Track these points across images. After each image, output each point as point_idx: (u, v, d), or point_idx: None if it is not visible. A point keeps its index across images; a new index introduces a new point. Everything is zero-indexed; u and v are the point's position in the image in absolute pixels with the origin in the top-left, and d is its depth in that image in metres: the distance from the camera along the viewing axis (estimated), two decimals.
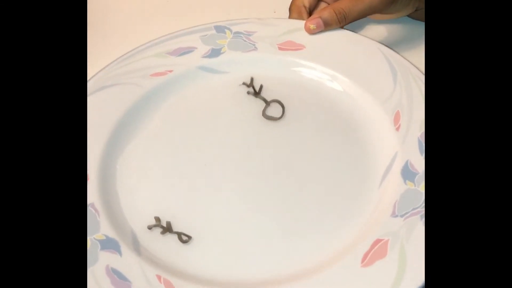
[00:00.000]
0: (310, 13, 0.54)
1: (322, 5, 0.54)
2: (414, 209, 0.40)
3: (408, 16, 0.55)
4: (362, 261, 0.38)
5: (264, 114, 0.49)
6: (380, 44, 0.51)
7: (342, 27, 0.53)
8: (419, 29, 0.55)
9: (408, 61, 0.49)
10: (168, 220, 0.42)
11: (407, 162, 0.43)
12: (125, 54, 0.53)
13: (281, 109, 0.49)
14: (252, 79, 0.51)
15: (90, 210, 0.42)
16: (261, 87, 0.50)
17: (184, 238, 0.41)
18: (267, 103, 0.49)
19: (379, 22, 0.57)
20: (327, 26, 0.52)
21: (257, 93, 0.50)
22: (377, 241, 0.39)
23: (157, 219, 0.42)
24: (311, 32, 0.52)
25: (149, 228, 0.42)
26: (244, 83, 0.51)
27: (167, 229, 0.42)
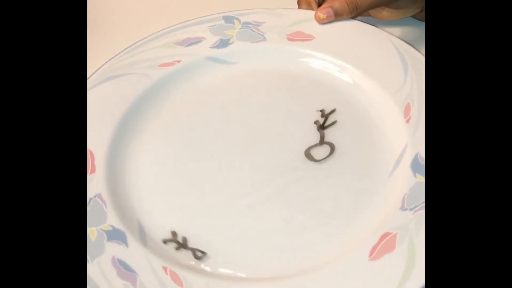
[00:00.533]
0: (319, 4, 0.54)
1: None
2: (423, 202, 0.39)
3: (413, 17, 0.54)
4: (370, 254, 0.37)
5: (307, 152, 0.45)
6: (391, 36, 0.50)
7: (353, 18, 0.52)
8: (423, 30, 0.54)
9: (420, 52, 0.48)
10: (183, 234, 0.41)
11: (417, 155, 0.42)
12: (132, 44, 0.52)
13: (328, 150, 0.45)
14: (332, 111, 0.47)
15: (97, 201, 0.42)
16: (332, 123, 0.46)
17: (199, 255, 0.40)
18: (321, 142, 0.45)
19: (383, 23, 0.55)
20: (338, 16, 0.51)
21: (322, 127, 0.46)
22: (386, 234, 0.38)
23: (174, 234, 0.41)
24: (321, 21, 0.52)
25: (164, 242, 0.40)
26: (321, 111, 0.47)
27: (182, 245, 0.40)
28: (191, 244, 0.40)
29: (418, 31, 0.54)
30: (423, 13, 0.53)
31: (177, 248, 0.40)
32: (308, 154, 0.45)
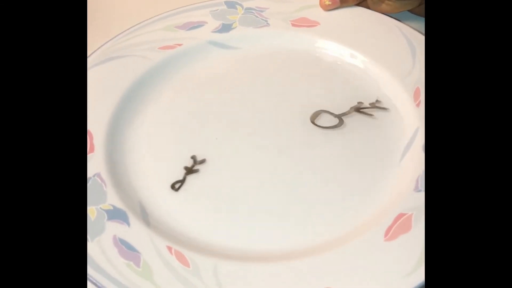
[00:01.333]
0: None
1: None
2: None
3: (410, 11, 0.53)
4: (386, 235, 0.36)
5: (313, 118, 0.44)
6: (398, 21, 0.50)
7: (357, 5, 0.51)
8: (420, 24, 0.53)
9: None
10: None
11: None
12: (132, 26, 0.51)
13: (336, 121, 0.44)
14: (384, 108, 0.44)
15: (96, 180, 0.40)
16: (368, 114, 0.44)
17: (176, 186, 0.41)
18: (338, 116, 0.44)
19: None
20: (343, 2, 0.51)
21: (357, 110, 0.44)
22: (401, 215, 0.37)
23: (198, 161, 0.42)
24: (326, 8, 0.51)
25: (192, 157, 0.42)
26: (378, 101, 0.45)
27: (189, 170, 0.41)
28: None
29: (416, 25, 0.53)
30: (421, 7, 0.52)
31: (185, 167, 0.42)
32: (313, 120, 0.44)
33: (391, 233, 0.36)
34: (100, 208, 0.38)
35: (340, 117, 0.44)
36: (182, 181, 0.41)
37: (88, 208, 0.38)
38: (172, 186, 0.41)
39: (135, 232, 0.37)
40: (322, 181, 0.40)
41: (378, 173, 0.41)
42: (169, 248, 0.36)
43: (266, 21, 0.51)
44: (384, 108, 0.44)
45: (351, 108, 0.44)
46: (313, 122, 0.44)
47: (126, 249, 0.36)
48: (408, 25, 0.49)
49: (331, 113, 0.44)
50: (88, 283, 0.34)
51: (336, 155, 0.42)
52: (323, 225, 0.38)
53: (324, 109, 0.45)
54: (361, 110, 0.44)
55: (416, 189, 0.38)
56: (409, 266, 0.34)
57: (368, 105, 0.44)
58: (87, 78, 0.46)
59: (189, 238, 0.37)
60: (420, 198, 0.38)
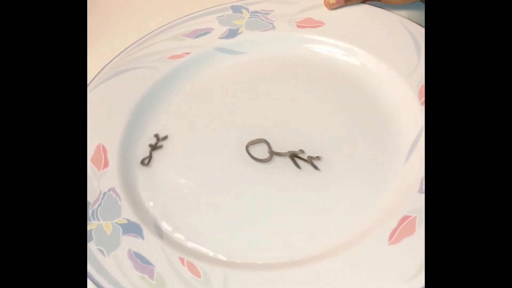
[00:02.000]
0: None
1: None
2: None
3: (421, 1, 0.53)
4: (390, 238, 0.37)
5: (248, 148, 0.44)
6: (403, 18, 0.50)
7: (363, 2, 0.51)
8: None
9: None
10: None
11: None
12: (140, 38, 0.52)
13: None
14: (317, 157, 0.42)
15: (111, 195, 0.41)
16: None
17: (146, 161, 0.44)
18: (271, 153, 0.43)
19: (393, 7, 0.53)
20: (348, 1, 0.51)
21: (292, 157, 0.43)
22: (405, 217, 0.37)
23: (157, 136, 0.46)
24: (331, 7, 0.51)
25: (155, 135, 0.46)
26: (319, 157, 0.42)
27: (153, 146, 0.45)
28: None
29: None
30: None
31: (150, 145, 0.45)
32: (248, 151, 0.44)
33: (395, 236, 0.37)
34: (116, 222, 0.40)
35: (272, 154, 0.43)
36: (149, 158, 0.45)
37: (104, 223, 0.40)
38: (142, 162, 0.44)
39: (149, 245, 0.38)
40: (326, 186, 0.41)
41: (383, 175, 0.41)
42: (181, 260, 0.38)
43: (271, 23, 0.52)
44: (316, 168, 0.42)
45: (288, 152, 0.43)
46: (247, 149, 0.44)
47: (141, 262, 0.37)
48: (415, 22, 0.49)
49: (268, 146, 0.44)
50: None
51: (340, 157, 0.43)
52: (328, 230, 0.39)
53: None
54: (295, 158, 0.43)
55: (420, 191, 0.39)
56: (413, 269, 0.35)
57: (306, 158, 0.43)
58: (87, 93, 0.48)
59: (200, 249, 0.39)
60: (423, 200, 0.38)
